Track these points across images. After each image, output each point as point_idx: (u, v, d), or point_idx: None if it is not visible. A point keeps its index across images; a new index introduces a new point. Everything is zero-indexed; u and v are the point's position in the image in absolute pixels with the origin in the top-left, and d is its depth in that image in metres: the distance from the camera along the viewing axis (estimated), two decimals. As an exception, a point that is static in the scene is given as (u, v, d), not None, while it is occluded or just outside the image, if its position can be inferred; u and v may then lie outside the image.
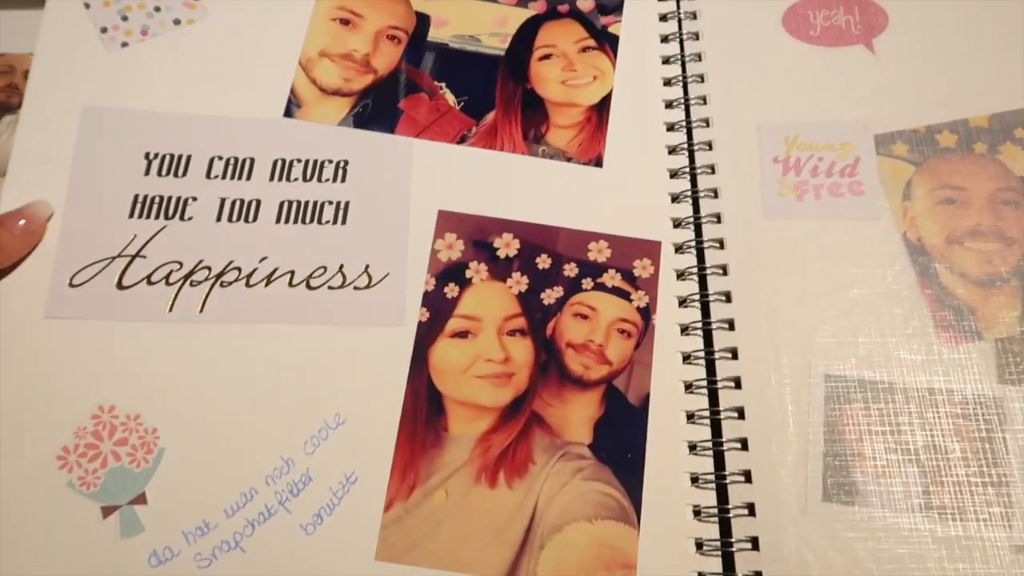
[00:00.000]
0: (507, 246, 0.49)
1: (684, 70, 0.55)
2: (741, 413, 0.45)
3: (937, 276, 0.47)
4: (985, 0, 0.54)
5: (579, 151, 0.52)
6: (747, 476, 0.44)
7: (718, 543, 0.43)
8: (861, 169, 0.50)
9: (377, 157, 0.51)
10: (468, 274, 0.49)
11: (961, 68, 0.53)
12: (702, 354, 0.47)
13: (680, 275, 0.49)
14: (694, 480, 0.45)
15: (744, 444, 0.45)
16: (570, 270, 0.49)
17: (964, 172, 0.50)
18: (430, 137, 0.52)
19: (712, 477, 0.44)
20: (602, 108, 0.54)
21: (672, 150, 0.52)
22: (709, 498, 0.44)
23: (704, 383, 0.46)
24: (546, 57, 0.55)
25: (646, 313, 0.48)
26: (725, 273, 0.49)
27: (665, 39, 0.56)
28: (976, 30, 0.54)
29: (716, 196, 0.51)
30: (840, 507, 0.43)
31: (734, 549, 0.43)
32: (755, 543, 0.43)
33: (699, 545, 0.43)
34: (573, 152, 0.52)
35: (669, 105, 0.54)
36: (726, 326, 0.47)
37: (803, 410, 0.45)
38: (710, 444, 0.45)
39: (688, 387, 0.47)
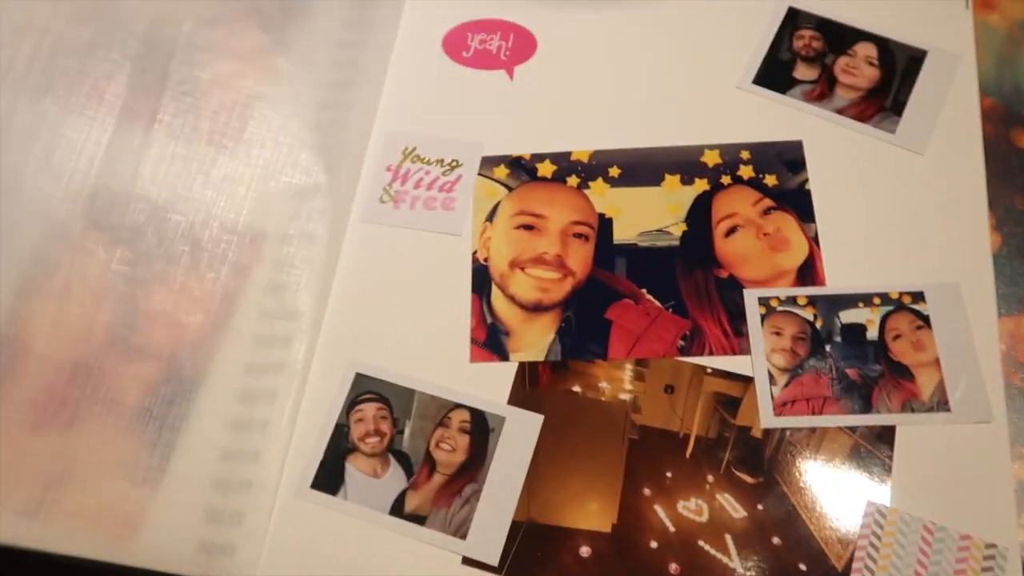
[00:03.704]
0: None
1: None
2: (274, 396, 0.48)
3: (488, 296, 0.50)
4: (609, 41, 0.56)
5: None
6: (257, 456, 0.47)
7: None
8: (459, 187, 0.53)
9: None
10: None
11: (578, 103, 0.55)
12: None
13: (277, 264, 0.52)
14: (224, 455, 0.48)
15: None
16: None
17: (549, 201, 0.52)
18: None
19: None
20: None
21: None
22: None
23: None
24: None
25: (230, 296, 0.51)
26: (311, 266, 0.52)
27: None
28: (598, 69, 0.56)
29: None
30: (324, 496, 0.46)
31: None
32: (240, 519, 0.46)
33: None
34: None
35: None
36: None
37: (328, 401, 0.48)
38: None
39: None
